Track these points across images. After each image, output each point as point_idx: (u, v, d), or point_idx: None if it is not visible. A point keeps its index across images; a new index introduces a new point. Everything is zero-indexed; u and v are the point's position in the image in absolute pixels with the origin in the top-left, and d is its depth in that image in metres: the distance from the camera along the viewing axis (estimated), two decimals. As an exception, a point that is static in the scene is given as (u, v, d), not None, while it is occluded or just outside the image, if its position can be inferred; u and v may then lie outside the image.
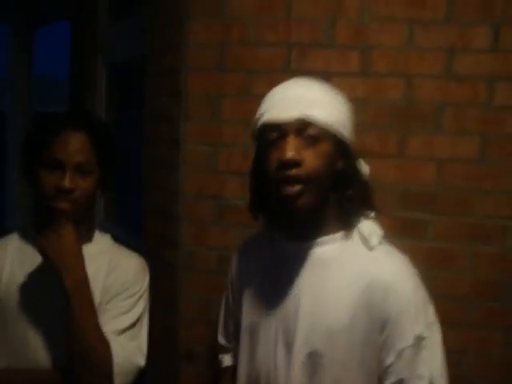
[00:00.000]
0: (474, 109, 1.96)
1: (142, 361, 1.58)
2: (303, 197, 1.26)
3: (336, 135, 1.31)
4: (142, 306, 1.63)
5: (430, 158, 1.99)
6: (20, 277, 1.60)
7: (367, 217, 1.38)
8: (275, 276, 1.41)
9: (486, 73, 1.95)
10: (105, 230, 1.77)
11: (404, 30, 1.97)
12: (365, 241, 1.35)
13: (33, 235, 1.59)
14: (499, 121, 1.95)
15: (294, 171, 1.25)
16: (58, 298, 1.49)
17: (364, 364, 1.30)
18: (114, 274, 1.62)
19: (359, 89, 2.01)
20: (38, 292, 1.58)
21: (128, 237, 2.54)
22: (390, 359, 1.28)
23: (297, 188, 1.26)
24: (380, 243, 1.36)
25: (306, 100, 1.29)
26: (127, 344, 1.55)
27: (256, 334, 1.43)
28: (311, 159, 1.27)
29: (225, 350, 1.67)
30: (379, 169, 2.01)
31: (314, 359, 1.31)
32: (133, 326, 1.59)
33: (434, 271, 2.01)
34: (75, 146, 1.53)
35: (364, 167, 1.41)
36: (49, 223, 1.51)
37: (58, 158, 1.51)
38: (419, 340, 1.28)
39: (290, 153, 1.25)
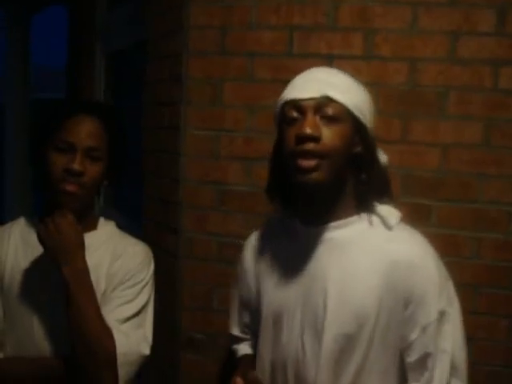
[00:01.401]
0: (479, 93, 1.94)
1: (146, 350, 1.57)
2: (318, 171, 1.28)
3: (355, 118, 1.33)
4: (146, 294, 1.61)
5: (434, 143, 1.98)
6: (24, 264, 1.59)
7: (384, 202, 1.41)
8: (296, 262, 1.41)
9: (490, 57, 1.93)
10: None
11: (408, 13, 1.95)
12: (383, 221, 1.38)
13: (36, 222, 1.57)
14: (504, 105, 1.93)
15: (311, 145, 1.28)
16: (61, 286, 1.47)
17: (388, 342, 1.33)
18: (118, 261, 1.60)
19: (362, 73, 1.97)
20: (41, 280, 1.57)
21: (127, 224, 2.52)
22: (414, 335, 1.31)
23: (312, 162, 1.28)
24: (398, 224, 1.39)
25: (326, 82, 1.33)
26: (132, 333, 1.53)
27: (279, 321, 1.42)
28: (329, 136, 1.29)
29: (239, 340, 1.67)
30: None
31: (342, 342, 1.33)
32: (138, 314, 1.57)
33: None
34: (88, 130, 1.53)
35: (382, 156, 1.43)
36: (54, 210, 1.50)
37: (69, 141, 1.50)
38: (442, 315, 1.32)
39: (309, 128, 1.28)
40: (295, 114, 1.32)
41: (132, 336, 1.53)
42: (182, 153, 2.11)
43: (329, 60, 1.99)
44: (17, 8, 5.22)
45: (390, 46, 1.97)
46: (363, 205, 1.40)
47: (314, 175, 1.29)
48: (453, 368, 1.34)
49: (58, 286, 1.48)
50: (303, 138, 1.28)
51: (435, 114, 1.97)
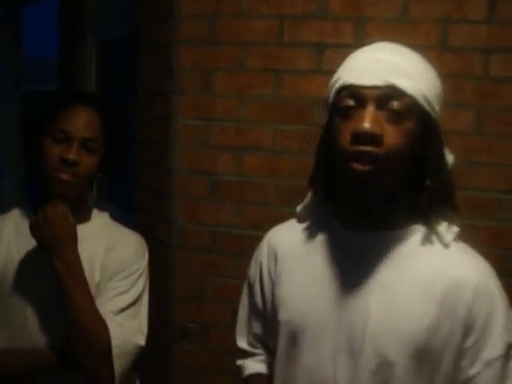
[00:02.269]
0: (470, 81, 1.94)
1: (142, 340, 1.57)
2: (374, 179, 1.07)
3: (423, 112, 1.10)
4: (141, 284, 1.61)
5: (426, 132, 1.98)
6: (17, 256, 1.58)
7: (444, 213, 1.18)
8: (328, 270, 1.20)
9: (481, 44, 1.93)
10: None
11: (399, 1, 1.95)
12: (439, 236, 1.16)
13: (30, 214, 1.57)
14: (495, 93, 1.94)
15: (370, 147, 1.05)
16: (54, 277, 1.47)
17: (440, 372, 1.12)
18: (112, 252, 1.60)
19: (353, 61, 1.98)
20: (34, 272, 1.56)
21: (120, 215, 2.51)
22: (475, 369, 1.11)
23: (368, 168, 1.05)
24: (455, 241, 1.18)
25: (392, 66, 1.08)
26: (127, 324, 1.53)
27: (300, 339, 1.20)
28: (392, 137, 1.06)
29: (246, 355, 1.43)
30: (374, 142, 2.00)
31: (384, 369, 1.12)
32: (132, 305, 1.57)
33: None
34: (85, 121, 1.52)
35: (449, 156, 1.18)
36: (49, 200, 1.49)
37: (66, 130, 1.50)
38: (510, 349, 1.12)
39: (369, 125, 1.05)
40: (352, 103, 1.09)
41: (127, 327, 1.52)
42: (174, 142, 2.11)
43: (320, 49, 1.99)
44: (7, 0, 5.19)
45: (381, 34, 1.95)
46: (421, 215, 1.16)
47: (369, 184, 1.07)
48: None
49: (52, 277, 1.47)
50: (362, 137, 1.05)
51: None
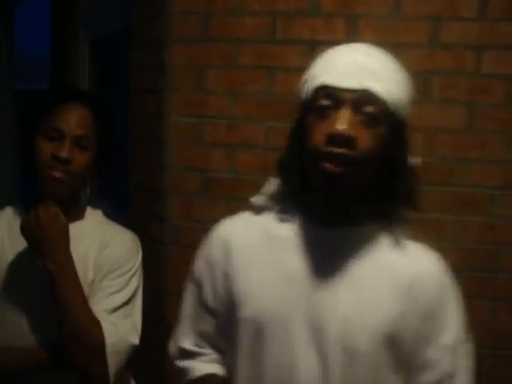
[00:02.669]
0: (461, 78, 1.95)
1: (135, 339, 1.56)
2: (344, 180, 1.10)
3: (395, 116, 1.13)
4: (135, 283, 1.60)
5: (418, 128, 1.97)
6: (10, 255, 1.58)
7: (406, 214, 1.23)
8: (294, 263, 1.20)
9: (473, 41, 1.94)
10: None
11: (390, -2, 1.95)
12: (397, 235, 1.21)
13: (23, 212, 1.56)
14: (486, 90, 1.95)
15: (343, 150, 1.07)
16: (47, 278, 1.46)
17: (403, 359, 1.18)
18: (106, 251, 1.59)
19: (346, 58, 1.98)
20: (27, 270, 1.56)
21: (113, 213, 2.51)
22: (432, 352, 1.18)
23: (340, 169, 1.08)
24: (410, 239, 1.24)
25: (369, 70, 1.11)
26: (121, 322, 1.53)
27: (265, 332, 1.19)
28: (366, 140, 1.09)
29: (191, 356, 1.34)
30: (366, 139, 2.01)
31: (353, 361, 1.15)
32: (126, 303, 1.57)
33: (422, 241, 2.01)
34: (77, 118, 1.52)
35: (415, 158, 1.23)
36: (42, 199, 1.49)
37: (58, 128, 1.50)
38: (462, 332, 1.21)
39: (344, 127, 1.07)
40: (329, 103, 1.11)
41: (120, 326, 1.52)
42: (167, 140, 2.11)
43: (312, 46, 1.99)
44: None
45: (372, 31, 1.97)
46: (386, 213, 1.20)
47: (339, 184, 1.10)
48: None
49: (45, 276, 1.47)
50: (336, 139, 1.07)
51: (418, 98, 1.96)
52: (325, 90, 1.11)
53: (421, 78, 1.96)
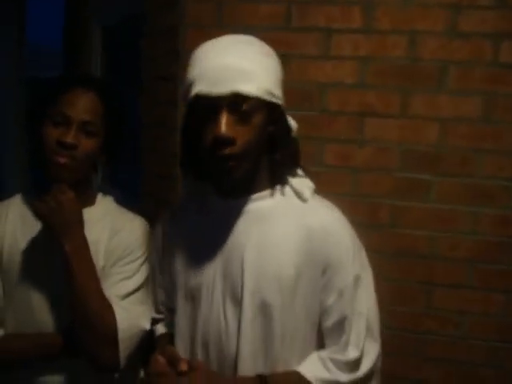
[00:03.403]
0: (479, 67, 1.93)
1: (147, 324, 1.57)
2: (238, 170, 1.28)
3: (268, 102, 1.28)
4: (146, 269, 1.61)
5: (433, 118, 1.97)
6: (22, 241, 1.58)
7: (296, 174, 1.41)
8: (212, 235, 1.40)
9: (491, 30, 1.91)
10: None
11: (408, -15, 1.93)
12: (298, 194, 1.39)
13: (34, 199, 1.56)
14: (504, 79, 1.92)
15: (227, 150, 1.25)
16: (60, 262, 1.46)
17: (308, 309, 1.35)
18: (117, 237, 1.59)
19: (361, 46, 1.97)
20: (40, 257, 1.56)
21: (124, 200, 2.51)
22: (331, 299, 1.34)
23: (231, 164, 1.26)
24: (313, 196, 1.40)
25: (239, 72, 1.24)
26: (132, 308, 1.53)
27: (197, 296, 1.41)
28: (245, 135, 1.26)
29: (157, 321, 1.61)
30: (381, 128, 1.99)
31: (264, 310, 1.33)
32: (138, 289, 1.57)
33: (436, 233, 2.00)
34: (84, 104, 1.51)
35: (293, 123, 1.39)
36: (49, 185, 1.49)
37: (65, 113, 1.49)
38: (357, 279, 1.35)
39: (223, 130, 1.23)
40: (207, 109, 1.26)
41: (132, 311, 1.53)
42: (179, 127, 2.09)
43: (328, 34, 1.97)
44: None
45: (389, 19, 1.95)
46: (277, 178, 1.39)
47: (235, 175, 1.29)
48: (368, 329, 1.36)
49: (57, 262, 1.47)
50: (219, 141, 1.24)
51: (435, 88, 1.95)
52: (201, 98, 1.25)
53: (437, 67, 1.94)
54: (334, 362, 1.34)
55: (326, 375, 1.33)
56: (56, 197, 1.46)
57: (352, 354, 1.33)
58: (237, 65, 1.25)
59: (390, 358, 2.06)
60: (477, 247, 1.99)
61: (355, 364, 1.34)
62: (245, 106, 1.25)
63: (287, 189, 1.40)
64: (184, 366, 1.29)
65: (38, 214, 1.48)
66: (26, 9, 5.49)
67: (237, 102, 1.24)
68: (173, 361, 1.32)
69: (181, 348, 1.44)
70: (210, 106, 1.25)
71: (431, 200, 1.99)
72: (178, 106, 2.09)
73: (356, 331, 1.35)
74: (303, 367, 1.35)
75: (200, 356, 1.40)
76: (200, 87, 1.25)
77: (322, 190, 1.52)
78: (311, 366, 1.35)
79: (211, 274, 1.39)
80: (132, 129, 2.42)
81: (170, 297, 1.52)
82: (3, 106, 5.26)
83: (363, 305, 1.36)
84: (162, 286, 1.56)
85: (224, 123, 1.24)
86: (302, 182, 1.41)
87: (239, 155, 1.26)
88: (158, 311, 1.60)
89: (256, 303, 1.33)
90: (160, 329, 1.60)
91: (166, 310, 1.57)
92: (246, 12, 2.02)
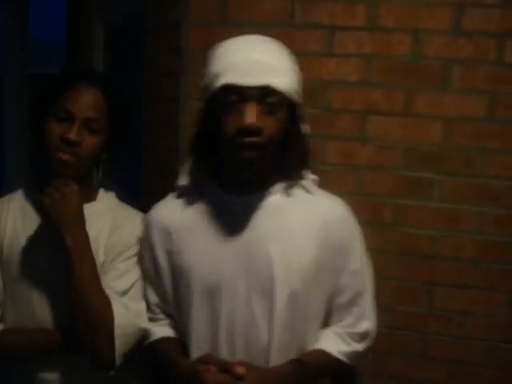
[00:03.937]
0: (483, 66, 1.92)
1: (144, 323, 1.56)
2: (258, 163, 1.34)
3: (290, 100, 1.36)
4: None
5: (437, 117, 1.96)
6: (22, 236, 1.58)
7: (305, 171, 1.49)
8: (230, 230, 1.44)
9: (495, 29, 1.90)
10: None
11: (412, -17, 1.92)
12: (306, 188, 1.48)
13: (35, 194, 1.55)
14: (508, 79, 1.91)
15: (253, 138, 1.30)
16: (60, 257, 1.47)
17: (325, 291, 1.46)
18: (117, 232, 1.59)
19: (365, 44, 1.96)
20: (40, 251, 1.56)
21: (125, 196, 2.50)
22: (345, 278, 1.47)
23: (253, 154, 1.32)
24: (317, 189, 1.51)
25: (267, 66, 1.32)
26: (131, 305, 1.53)
27: (217, 294, 1.42)
28: (270, 127, 1.32)
29: (151, 321, 1.56)
30: (384, 127, 1.98)
31: (291, 298, 1.40)
32: (134, 285, 1.57)
33: (439, 232, 1.99)
34: (88, 100, 1.51)
35: (305, 126, 1.47)
36: (51, 180, 1.48)
37: (68, 110, 1.49)
38: (365, 260, 1.52)
39: (252, 119, 1.29)
40: (235, 98, 1.31)
41: (131, 308, 1.52)
42: (182, 124, 2.09)
43: (331, 31, 1.96)
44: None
45: (393, 17, 1.94)
46: (290, 173, 1.46)
47: (255, 167, 1.34)
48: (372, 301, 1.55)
49: (58, 256, 1.47)
50: (246, 130, 1.29)
51: (438, 86, 1.95)
52: (231, 88, 1.30)
53: (441, 66, 1.93)
54: (351, 335, 1.49)
55: (347, 348, 1.48)
56: (60, 189, 1.46)
57: (365, 325, 1.51)
58: (267, 60, 1.33)
59: (392, 358, 2.08)
60: (480, 247, 1.98)
61: (367, 333, 1.52)
62: (272, 99, 1.32)
63: (295, 184, 1.47)
64: (241, 370, 1.34)
65: (42, 206, 1.47)
66: (28, 5, 5.49)
67: (265, 95, 1.30)
68: (224, 366, 1.36)
69: (197, 348, 1.45)
70: (237, 97, 1.30)
71: (435, 199, 1.98)
72: (180, 103, 2.08)
73: (368, 305, 1.52)
74: (325, 344, 1.47)
75: (225, 352, 1.42)
76: (229, 78, 1.31)
77: (324, 187, 1.53)
78: (331, 342, 1.48)
79: (232, 271, 1.41)
80: (135, 125, 2.42)
81: (167, 299, 1.52)
82: (5, 102, 5.26)
83: (370, 281, 1.53)
84: (155, 286, 1.54)
85: (251, 112, 1.29)
86: (307, 176, 1.49)
87: (264, 145, 1.32)
88: (149, 310, 1.56)
89: (286, 292, 1.39)
90: (159, 330, 1.55)
91: (162, 312, 1.56)
92: (249, 8, 2.01)
